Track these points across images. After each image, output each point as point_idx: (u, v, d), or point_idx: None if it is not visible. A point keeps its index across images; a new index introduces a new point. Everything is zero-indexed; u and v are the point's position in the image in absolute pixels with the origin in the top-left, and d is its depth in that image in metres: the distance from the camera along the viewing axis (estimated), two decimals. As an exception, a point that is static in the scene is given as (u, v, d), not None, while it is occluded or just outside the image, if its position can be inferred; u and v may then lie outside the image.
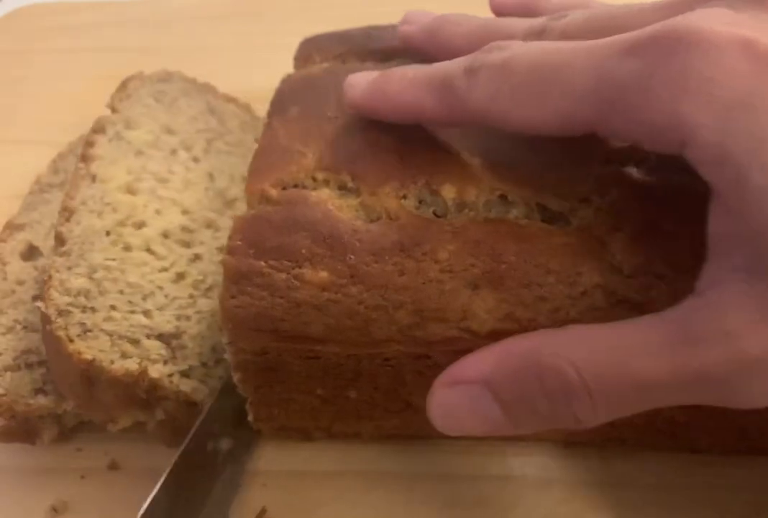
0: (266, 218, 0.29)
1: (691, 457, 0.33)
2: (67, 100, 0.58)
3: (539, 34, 0.30)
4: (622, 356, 0.23)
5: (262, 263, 0.28)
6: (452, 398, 0.26)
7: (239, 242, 0.29)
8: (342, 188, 0.30)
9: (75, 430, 0.36)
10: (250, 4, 0.69)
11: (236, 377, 0.32)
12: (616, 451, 0.34)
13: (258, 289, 0.28)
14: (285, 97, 0.35)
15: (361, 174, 0.30)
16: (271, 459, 0.35)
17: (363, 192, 0.30)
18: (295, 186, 0.30)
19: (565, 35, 0.29)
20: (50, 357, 0.34)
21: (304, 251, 0.28)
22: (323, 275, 0.28)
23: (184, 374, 0.33)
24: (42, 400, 0.34)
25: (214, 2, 0.70)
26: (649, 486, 0.33)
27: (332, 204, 0.29)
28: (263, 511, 0.33)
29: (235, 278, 0.28)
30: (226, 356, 0.31)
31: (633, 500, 0.33)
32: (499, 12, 0.36)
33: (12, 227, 0.42)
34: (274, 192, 0.30)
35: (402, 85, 0.29)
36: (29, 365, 0.35)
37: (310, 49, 0.40)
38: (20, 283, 0.38)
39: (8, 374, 0.35)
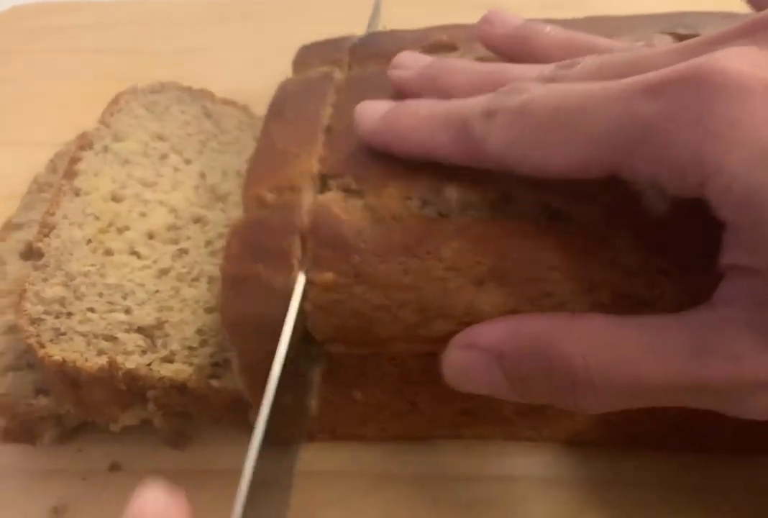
0: (263, 222, 0.29)
1: (697, 456, 0.33)
2: (63, 101, 0.58)
3: (550, 82, 0.27)
4: (631, 357, 0.24)
5: (260, 267, 0.28)
6: (465, 359, 0.27)
7: (236, 248, 0.29)
8: (346, 190, 0.30)
9: (76, 431, 0.36)
10: (243, 4, 0.69)
11: (241, 382, 0.31)
12: (618, 450, 0.34)
13: (257, 293, 0.28)
14: (282, 101, 0.35)
15: (364, 176, 0.30)
16: (274, 459, 0.35)
17: (367, 194, 0.29)
18: (293, 190, 0.30)
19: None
20: (36, 365, 0.34)
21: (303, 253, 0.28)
22: (327, 275, 0.28)
23: (166, 359, 0.33)
24: (43, 401, 0.34)
25: (207, 3, 0.70)
26: (653, 485, 0.33)
27: (337, 207, 0.29)
28: (266, 511, 0.33)
29: (234, 284, 0.28)
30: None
31: (636, 499, 0.33)
32: (489, 45, 0.34)
33: (10, 226, 0.42)
34: (270, 196, 0.30)
35: (416, 121, 0.28)
36: (30, 365, 0.35)
37: (309, 54, 0.40)
38: (20, 282, 0.38)
39: (9, 374, 0.34)
